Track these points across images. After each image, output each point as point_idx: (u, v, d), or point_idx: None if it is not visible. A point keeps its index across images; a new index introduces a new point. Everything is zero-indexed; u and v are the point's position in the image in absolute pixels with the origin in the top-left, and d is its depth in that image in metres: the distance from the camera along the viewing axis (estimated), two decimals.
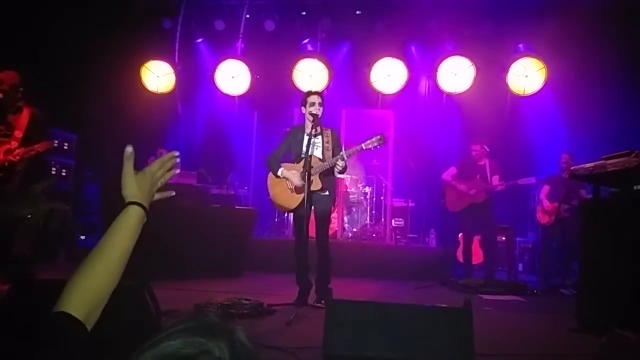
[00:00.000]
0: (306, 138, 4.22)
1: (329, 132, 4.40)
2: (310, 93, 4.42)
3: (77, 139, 7.26)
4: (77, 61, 7.34)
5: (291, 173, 4.26)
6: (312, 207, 4.33)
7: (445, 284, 5.94)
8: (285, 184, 4.33)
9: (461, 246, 7.54)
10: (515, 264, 7.05)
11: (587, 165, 3.72)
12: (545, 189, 6.47)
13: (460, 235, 7.67)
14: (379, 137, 4.12)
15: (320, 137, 4.35)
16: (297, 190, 4.25)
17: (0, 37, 6.62)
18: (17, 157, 4.46)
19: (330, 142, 4.34)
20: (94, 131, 7.72)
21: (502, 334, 3.71)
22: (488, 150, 6.28)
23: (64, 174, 7.00)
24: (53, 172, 6.85)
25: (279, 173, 4.30)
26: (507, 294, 5.50)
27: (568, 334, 3.65)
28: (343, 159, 4.13)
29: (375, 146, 4.13)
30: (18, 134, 4.52)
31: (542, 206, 6.44)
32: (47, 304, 2.52)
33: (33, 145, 4.53)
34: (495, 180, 6.14)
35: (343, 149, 4.29)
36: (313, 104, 4.27)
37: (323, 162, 4.23)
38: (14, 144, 4.49)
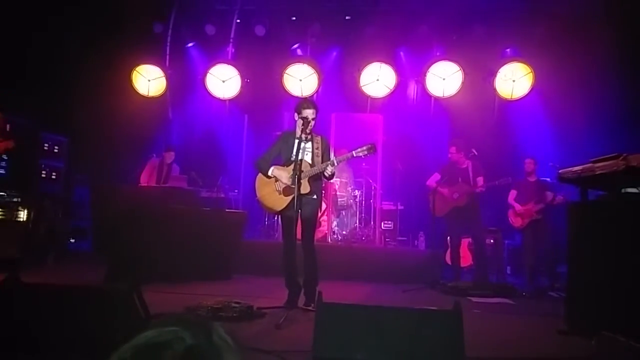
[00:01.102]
0: (297, 143, 4.25)
1: (319, 138, 4.45)
2: (306, 105, 4.40)
3: (68, 142, 7.22)
4: (68, 65, 7.33)
5: (280, 173, 4.30)
6: (300, 210, 4.35)
7: (434, 286, 5.97)
8: (274, 185, 4.36)
9: (449, 249, 7.60)
10: (503, 266, 7.11)
11: (576, 168, 3.73)
12: (513, 193, 6.58)
13: (449, 238, 7.74)
14: (369, 146, 4.18)
15: (310, 143, 4.39)
16: (285, 192, 4.28)
17: None
18: None
19: (320, 148, 4.39)
20: (84, 134, 7.70)
21: (492, 337, 3.73)
22: (475, 153, 6.34)
23: (54, 177, 6.97)
24: (43, 175, 6.81)
25: (270, 172, 4.33)
26: (496, 296, 5.54)
27: (557, 337, 3.67)
28: (333, 165, 4.19)
29: (365, 154, 4.20)
30: None
31: (513, 210, 6.53)
32: (30, 308, 2.51)
33: None
34: (480, 181, 6.21)
35: (333, 155, 4.34)
36: (306, 118, 4.28)
37: (313, 167, 4.27)
38: None
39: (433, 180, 6.46)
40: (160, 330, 0.76)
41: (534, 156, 6.64)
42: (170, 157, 7.64)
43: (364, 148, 4.17)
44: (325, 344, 2.52)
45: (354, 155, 4.22)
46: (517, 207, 6.44)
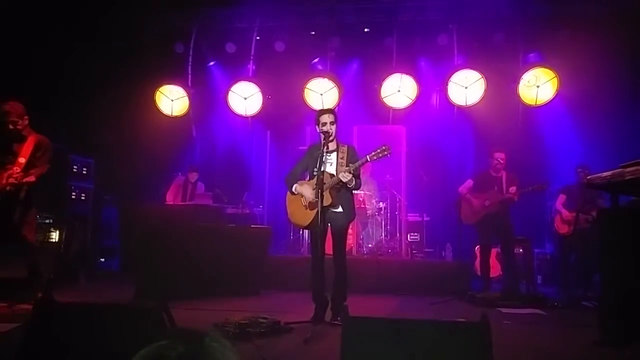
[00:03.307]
0: (320, 155, 4.25)
1: (345, 148, 4.42)
2: (322, 112, 4.48)
3: (95, 164, 7.41)
4: (93, 88, 7.55)
5: (304, 188, 4.30)
6: (329, 224, 4.35)
7: (462, 298, 5.87)
8: (300, 201, 4.37)
9: (478, 259, 7.45)
10: (534, 276, 6.93)
11: (605, 173, 3.63)
12: (562, 198, 6.39)
13: (477, 248, 7.60)
14: (383, 147, 4.10)
15: (335, 153, 4.38)
16: (311, 206, 4.28)
17: (18, 67, 6.85)
18: (12, 180, 4.55)
19: (345, 158, 4.34)
20: (111, 155, 7.89)
21: (523, 349, 3.64)
22: (500, 161, 6.25)
23: (83, 198, 7.14)
24: (73, 197, 7.00)
25: (293, 189, 4.35)
26: (526, 307, 5.40)
27: (592, 348, 3.54)
28: (350, 172, 4.14)
29: (380, 157, 4.11)
30: (21, 160, 4.66)
31: (560, 216, 6.35)
32: (67, 326, 2.57)
33: (31, 172, 4.66)
34: (512, 191, 6.08)
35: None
36: (325, 124, 4.32)
37: (334, 177, 4.25)
38: (17, 169, 4.61)
39: (466, 187, 6.34)
40: (153, 346, 0.80)
41: (583, 163, 6.43)
42: (194, 177, 7.88)
43: (379, 151, 4.10)
44: (352, 359, 2.49)
45: (369, 159, 4.14)
46: (565, 213, 6.26)
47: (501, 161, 6.15)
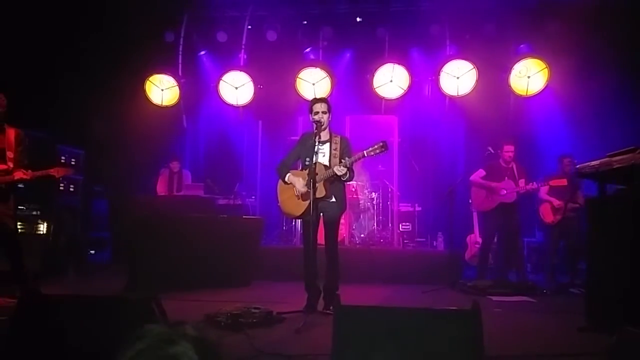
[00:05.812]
0: (313, 145, 4.23)
1: (338, 139, 4.41)
2: (315, 101, 4.45)
3: (84, 155, 7.31)
4: (82, 77, 7.44)
5: (297, 179, 4.29)
6: (322, 214, 4.35)
7: (454, 286, 5.93)
8: (292, 190, 4.36)
9: (469, 249, 7.52)
10: (524, 264, 7.01)
11: (593, 162, 3.70)
12: (545, 188, 6.47)
13: (468, 237, 7.66)
14: (381, 144, 4.11)
15: (328, 144, 4.36)
16: (303, 197, 4.27)
17: (6, 57, 6.74)
18: (29, 176, 4.48)
19: (338, 149, 4.34)
20: (100, 146, 7.80)
21: (512, 335, 3.72)
22: (492, 151, 6.31)
23: (72, 189, 7.05)
24: (61, 188, 6.89)
25: (286, 178, 4.34)
26: (516, 294, 5.50)
27: (578, 333, 3.65)
28: (345, 167, 4.13)
29: (377, 153, 4.13)
30: (10, 154, 4.53)
31: (551, 205, 6.41)
32: (56, 319, 2.54)
33: (48, 169, 4.56)
34: (522, 183, 6.18)
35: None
36: (317, 113, 4.30)
37: (328, 169, 4.24)
38: (10, 164, 4.49)
39: (477, 175, 6.43)
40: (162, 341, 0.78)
41: (571, 153, 6.49)
42: (175, 166, 7.78)
43: (376, 147, 4.11)
44: (344, 347, 2.50)
45: (366, 155, 4.15)
46: (556, 202, 6.32)
47: (511, 153, 6.28)
